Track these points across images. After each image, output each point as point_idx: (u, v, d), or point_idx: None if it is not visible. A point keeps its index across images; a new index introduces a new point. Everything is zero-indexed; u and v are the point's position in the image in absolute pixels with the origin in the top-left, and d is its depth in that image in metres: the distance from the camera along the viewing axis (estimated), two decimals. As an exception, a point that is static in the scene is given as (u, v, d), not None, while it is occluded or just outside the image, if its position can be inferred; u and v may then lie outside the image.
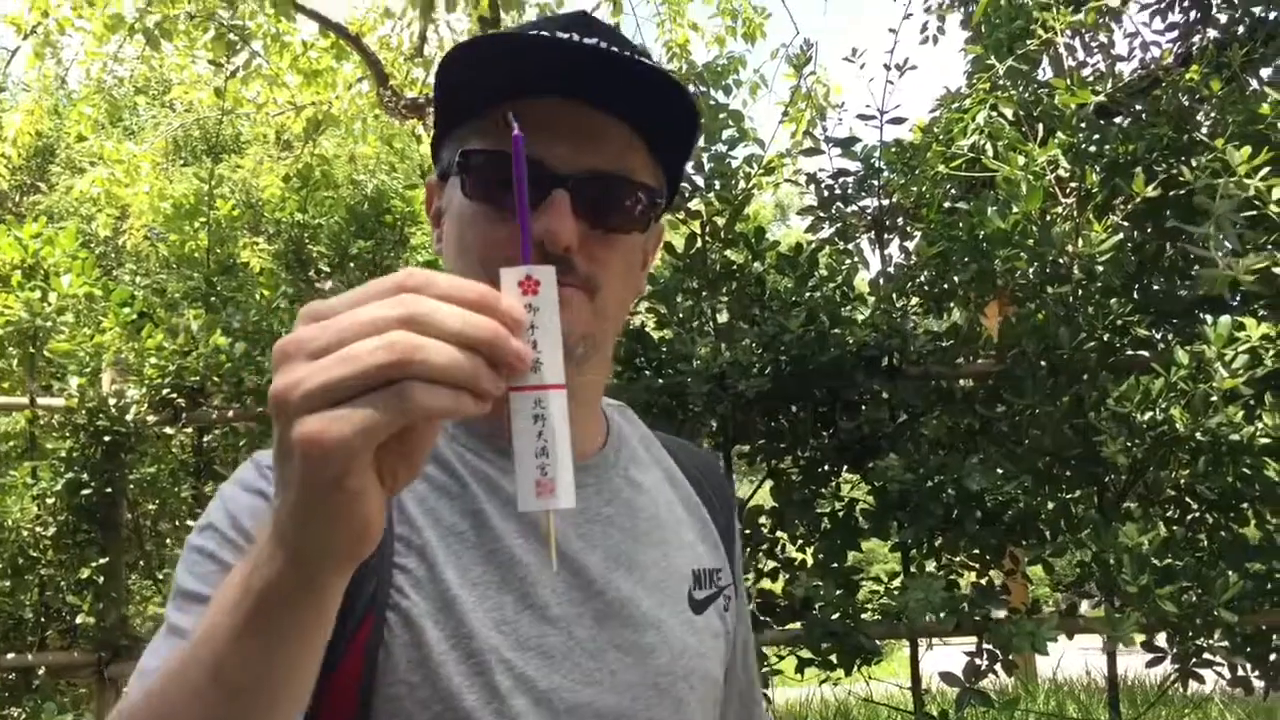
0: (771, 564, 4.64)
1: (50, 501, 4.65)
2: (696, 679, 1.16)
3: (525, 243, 0.79)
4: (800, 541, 4.69)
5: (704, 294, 5.00)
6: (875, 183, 5.14)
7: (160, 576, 4.90)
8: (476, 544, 1.06)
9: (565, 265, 1.02)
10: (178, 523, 5.13)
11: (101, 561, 4.62)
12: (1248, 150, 4.09)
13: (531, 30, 1.04)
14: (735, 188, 5.04)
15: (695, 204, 5.02)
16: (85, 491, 4.61)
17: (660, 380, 4.77)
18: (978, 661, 4.16)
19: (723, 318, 5.07)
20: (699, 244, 4.99)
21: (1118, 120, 5.45)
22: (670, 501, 1.24)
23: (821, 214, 5.10)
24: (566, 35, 1.00)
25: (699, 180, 4.99)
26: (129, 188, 8.10)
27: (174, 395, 4.86)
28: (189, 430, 5.09)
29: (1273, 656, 4.44)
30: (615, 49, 1.00)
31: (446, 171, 1.12)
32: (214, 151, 9.31)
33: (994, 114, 5.05)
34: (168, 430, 4.94)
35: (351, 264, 5.15)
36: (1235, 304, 4.61)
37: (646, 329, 5.06)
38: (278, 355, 0.70)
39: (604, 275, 1.08)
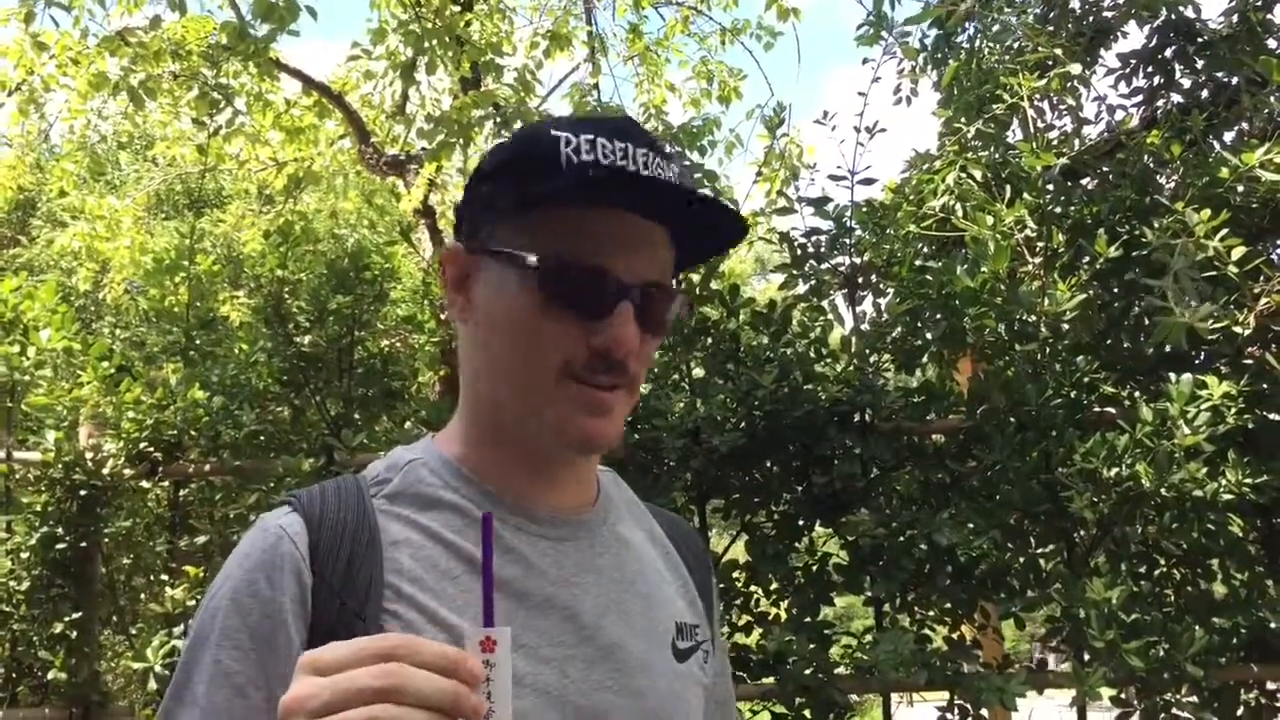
0: (745, 618, 4.66)
1: (24, 556, 4.64)
2: None
3: (488, 607, 0.94)
4: (774, 596, 4.72)
5: (678, 350, 5.06)
6: (847, 241, 5.23)
7: (134, 631, 4.88)
8: (470, 588, 1.10)
9: (621, 369, 1.13)
10: (152, 577, 5.12)
11: (75, 616, 4.60)
12: (1207, 212, 4.20)
13: (588, 135, 1.11)
14: (710, 246, 5.11)
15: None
16: (60, 546, 4.60)
17: (635, 435, 4.82)
18: (949, 717, 4.18)
19: (698, 373, 5.14)
20: (674, 301, 5.06)
21: (1084, 182, 5.58)
22: (653, 558, 1.31)
23: (795, 271, 5.19)
24: (623, 145, 1.10)
25: (674, 238, 5.06)
26: (110, 242, 8.16)
27: (151, 449, 4.88)
28: (165, 484, 5.10)
29: (1240, 711, 4.49)
30: (678, 180, 1.12)
31: (491, 249, 1.16)
32: (196, 206, 9.40)
33: (963, 175, 5.18)
34: (144, 484, 4.94)
35: (330, 318, 5.18)
36: (1198, 362, 4.70)
37: (623, 384, 5.11)
38: (282, 713, 0.86)
39: (642, 372, 1.19)
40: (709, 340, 5.05)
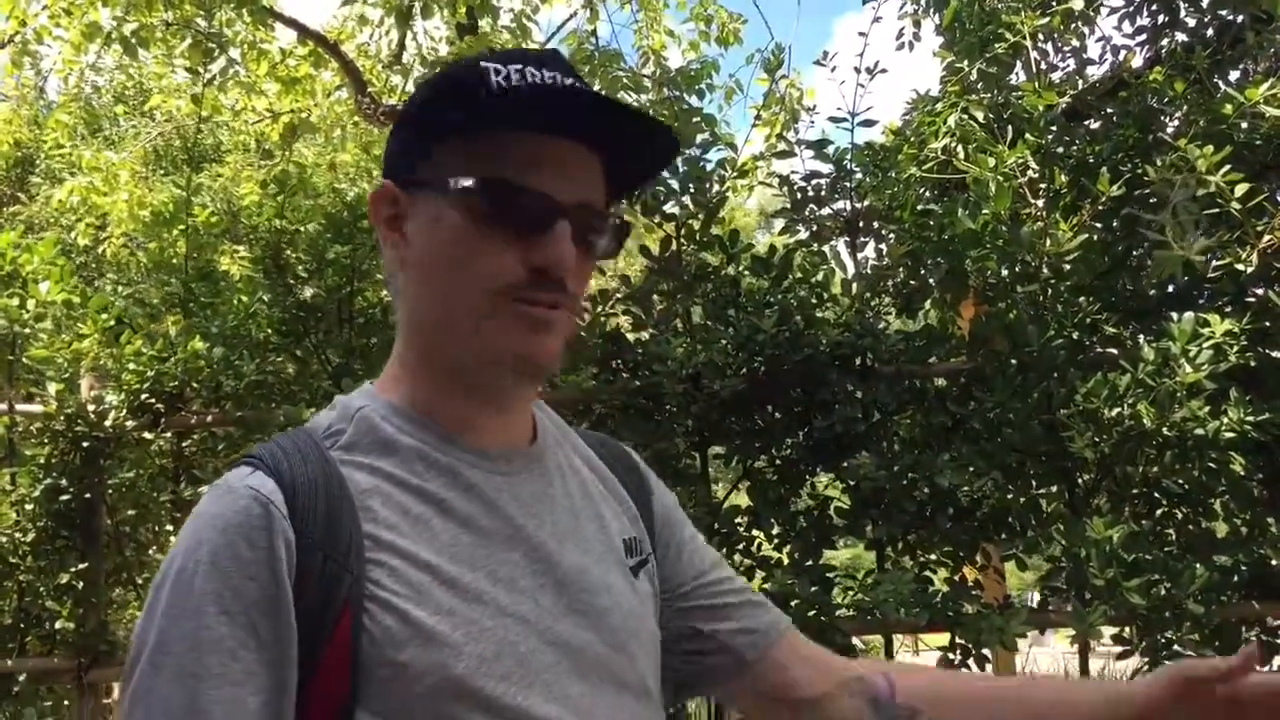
0: (747, 562, 4.68)
1: (29, 508, 4.66)
2: (644, 635, 1.27)
3: None
4: (776, 540, 4.73)
5: (679, 296, 5.04)
6: (848, 184, 5.19)
7: (139, 582, 4.92)
8: (442, 530, 1.13)
9: (560, 287, 1.15)
10: (157, 528, 5.14)
11: (81, 567, 4.63)
12: (1210, 149, 4.16)
13: (516, 65, 1.14)
14: (709, 191, 5.09)
15: (670, 207, 5.07)
16: (64, 497, 4.62)
17: (636, 382, 4.81)
18: (950, 656, 4.20)
19: (698, 319, 5.12)
20: (674, 247, 5.04)
21: (1086, 122, 5.53)
22: (593, 481, 1.34)
23: (795, 216, 5.15)
24: (551, 74, 1.14)
25: (674, 184, 5.04)
26: (108, 196, 8.12)
27: (152, 401, 4.88)
28: (168, 435, 5.11)
29: (1240, 648, 4.50)
30: (600, 95, 1.14)
31: (425, 184, 1.17)
32: (194, 160, 9.31)
33: (965, 117, 5.12)
34: (146, 435, 4.95)
35: (329, 269, 5.16)
36: (1201, 301, 4.67)
37: (623, 331, 5.11)
38: None
39: (581, 292, 1.21)
40: (709, 286, 5.03)
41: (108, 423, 4.76)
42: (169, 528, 5.00)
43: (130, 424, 4.85)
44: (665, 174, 5.09)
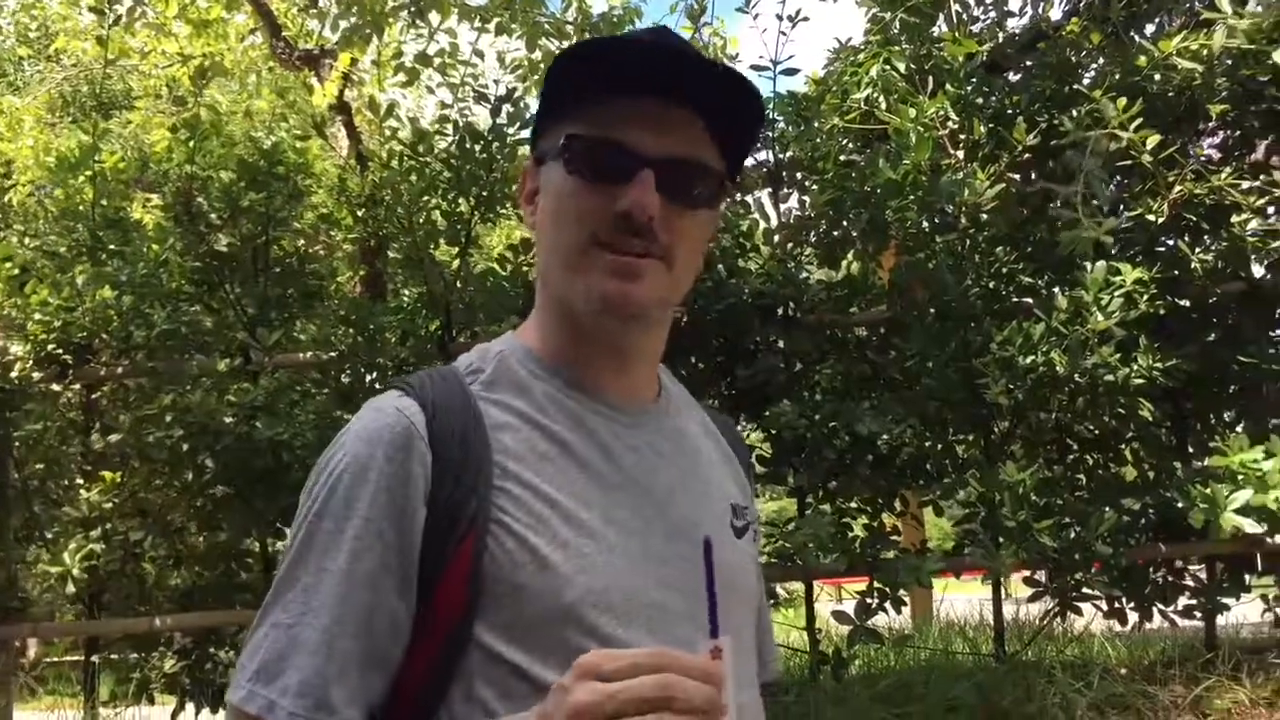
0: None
1: (-69, 462, 4.52)
2: (745, 591, 1.33)
3: (713, 618, 1.06)
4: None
5: (602, 245, 5.01)
6: (770, 134, 5.19)
7: (49, 536, 4.80)
8: (564, 468, 1.21)
9: (649, 235, 1.20)
10: (67, 482, 5.02)
11: (-13, 522, 4.51)
12: (1123, 102, 4.22)
13: (621, 37, 1.25)
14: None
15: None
16: (-32, 451, 4.48)
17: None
18: (868, 600, 4.28)
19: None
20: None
21: (1006, 74, 5.58)
22: (709, 447, 1.41)
23: (718, 165, 5.13)
24: (651, 39, 1.21)
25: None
26: (12, 143, 7.84)
27: (60, 351, 4.75)
28: (77, 387, 4.98)
29: (1148, 588, 4.65)
30: (692, 55, 1.21)
31: (544, 156, 1.27)
32: (102, 106, 9.04)
33: (887, 67, 5.14)
34: (54, 387, 4.82)
35: (243, 216, 5.02)
36: (1114, 251, 4.76)
37: (545, 281, 5.07)
38: (570, 715, 0.97)
39: (680, 248, 1.24)
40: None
41: (13, 374, 4.63)
42: (79, 481, 4.89)
43: (37, 375, 4.72)
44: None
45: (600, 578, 1.16)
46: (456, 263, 5.14)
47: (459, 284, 4.96)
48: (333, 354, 4.85)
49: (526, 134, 5.23)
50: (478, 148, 4.95)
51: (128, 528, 4.77)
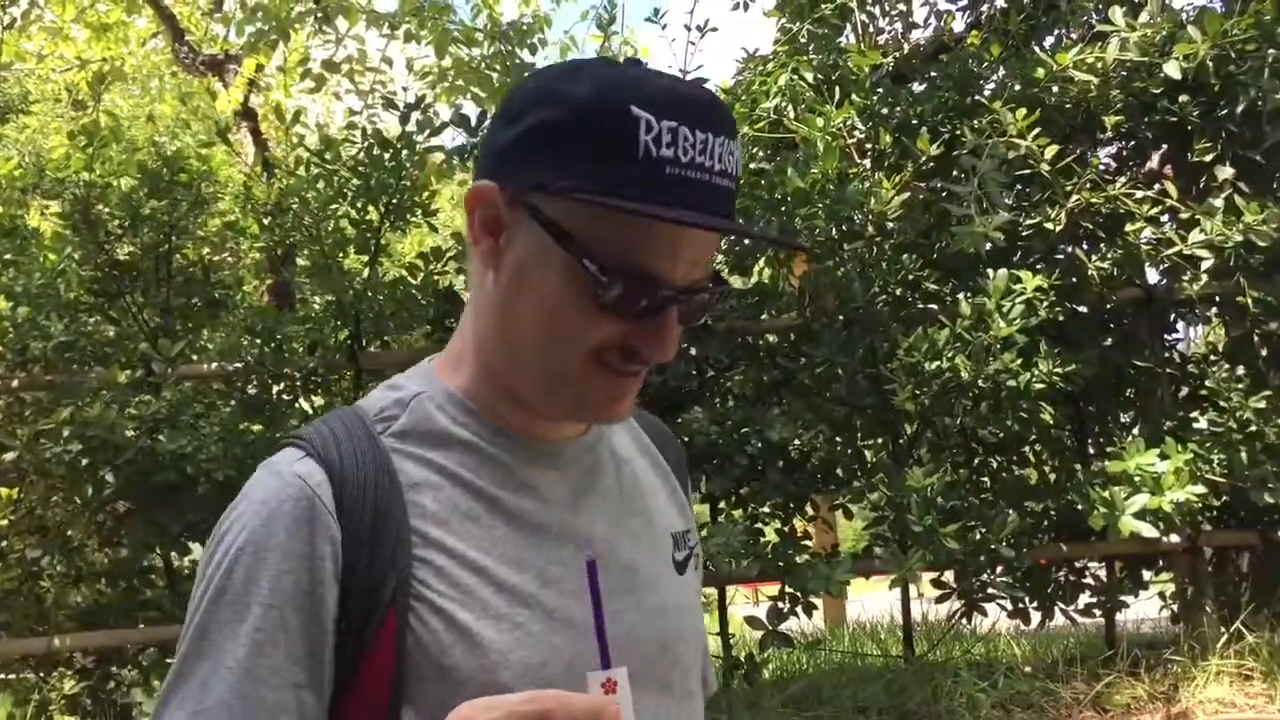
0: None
1: None
2: (690, 635, 1.23)
3: (603, 649, 0.99)
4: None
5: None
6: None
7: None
8: (491, 527, 1.09)
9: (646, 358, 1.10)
10: (-40, 500, 4.85)
11: (-127, 543, 4.34)
12: (1022, 112, 4.33)
13: (670, 119, 1.02)
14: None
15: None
16: None
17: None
18: (780, 605, 4.32)
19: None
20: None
21: (911, 84, 5.68)
22: (645, 469, 1.28)
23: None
24: (704, 138, 1.03)
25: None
26: (-99, 148, 7.56)
27: (-49, 364, 4.59)
28: (-31, 401, 4.82)
29: (1050, 588, 4.77)
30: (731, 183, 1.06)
31: (539, 214, 1.06)
32: (-2, 111, 8.77)
33: (795, 77, 5.20)
34: (-55, 402, 4.67)
35: (144, 225, 4.91)
36: (1016, 259, 4.87)
37: (456, 290, 5.04)
38: None
39: None
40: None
41: (-99, 388, 4.46)
42: (-28, 500, 4.73)
43: (-74, 389, 4.55)
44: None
45: (538, 651, 1.07)
46: (366, 271, 5.08)
47: (369, 293, 4.90)
48: (238, 365, 4.75)
49: (437, 141, 5.22)
50: (387, 155, 4.90)
51: (25, 545, 4.62)
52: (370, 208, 4.96)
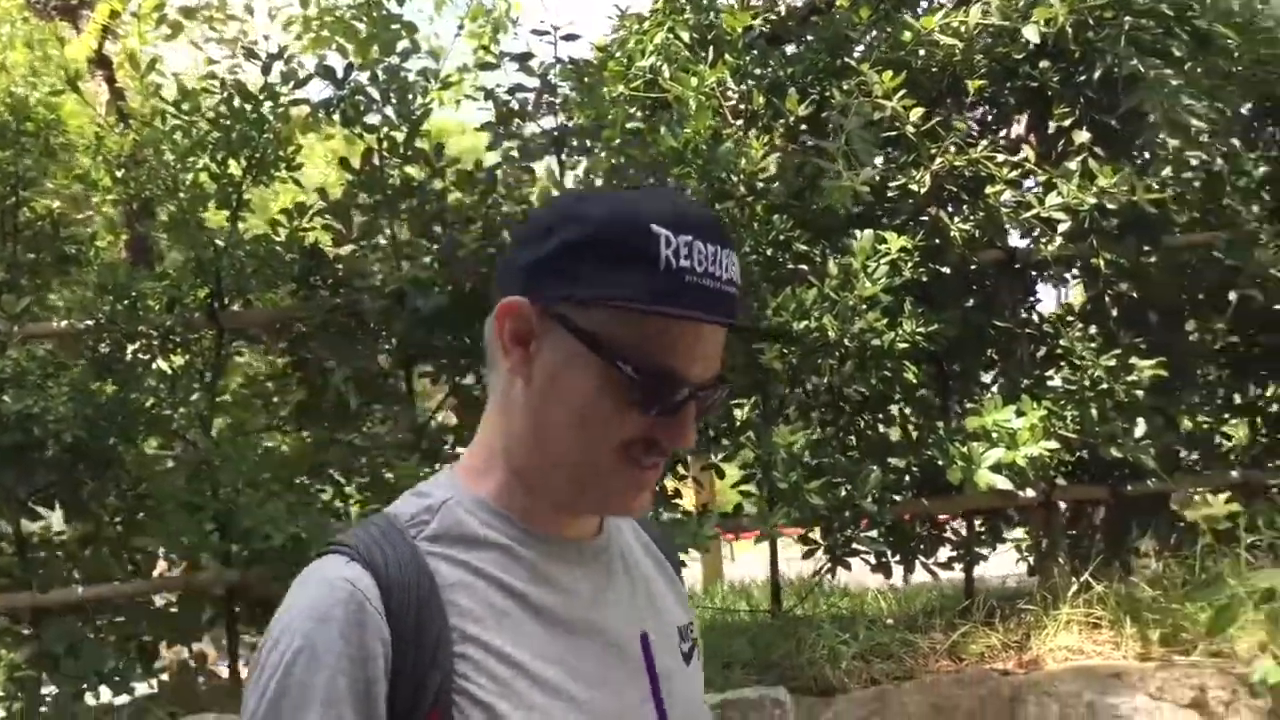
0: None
1: None
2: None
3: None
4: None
5: (381, 211, 4.89)
6: (554, 100, 5.16)
7: None
8: (523, 623, 1.17)
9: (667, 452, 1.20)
10: None
11: None
12: (889, 74, 4.38)
13: (686, 235, 1.14)
14: (413, 103, 4.92)
15: (372, 118, 4.88)
16: None
17: (336, 299, 4.65)
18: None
19: (403, 235, 4.98)
20: (375, 160, 4.86)
21: (784, 46, 5.70)
22: (650, 565, 1.38)
23: (500, 130, 5.08)
24: (714, 249, 1.15)
25: (374, 93, 4.85)
26: None
27: None
28: None
29: (912, 541, 4.89)
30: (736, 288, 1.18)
31: (568, 321, 1.16)
32: None
33: (671, 36, 5.18)
34: None
35: (-11, 176, 4.68)
36: (883, 220, 4.94)
37: (321, 246, 4.92)
38: None
39: None
40: (414, 201, 4.90)
41: None
42: None
43: None
44: (365, 82, 4.91)
45: None
46: (227, 227, 4.91)
47: (230, 249, 4.74)
48: (89, 323, 4.56)
49: (301, 94, 5.05)
50: (248, 107, 4.73)
51: None
52: (231, 161, 4.79)
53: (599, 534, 1.30)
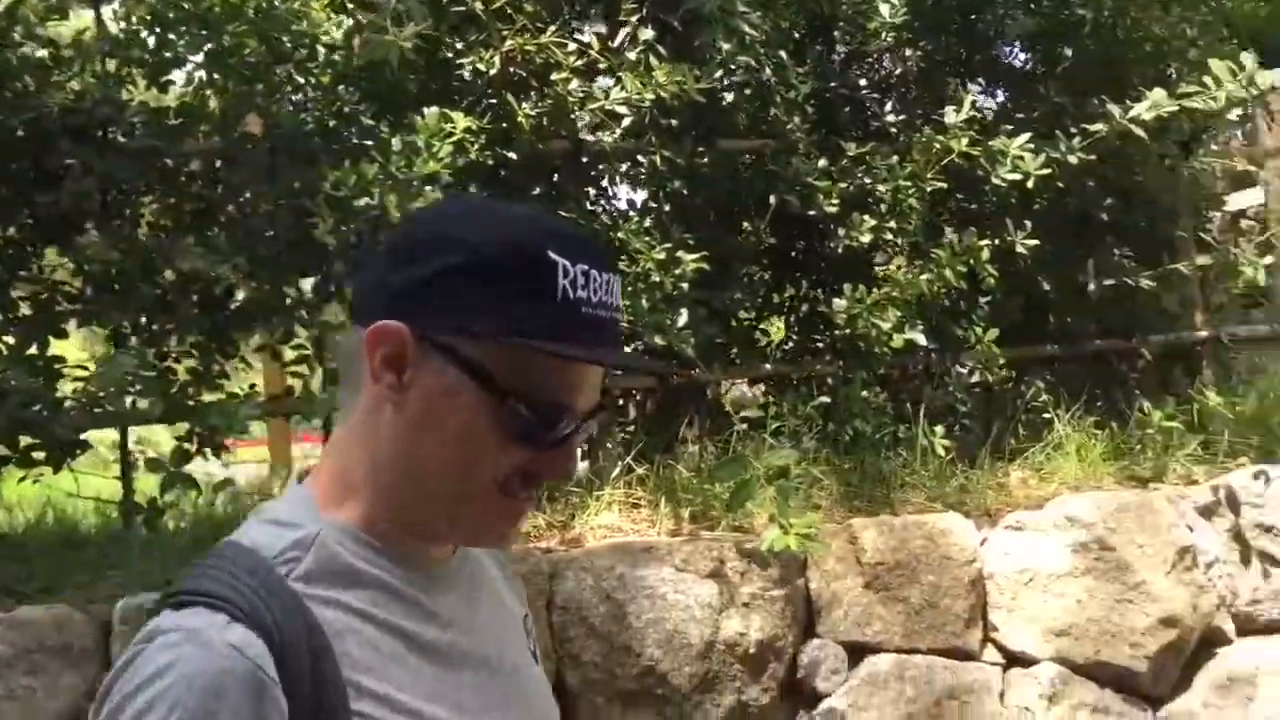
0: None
1: None
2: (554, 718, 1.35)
3: None
4: (-1, 329, 4.23)
5: None
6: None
7: None
8: (411, 664, 1.12)
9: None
10: None
11: None
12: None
13: (583, 263, 1.11)
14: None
15: None
16: None
17: None
18: (185, 446, 4.08)
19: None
20: None
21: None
22: (489, 564, 1.35)
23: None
24: (607, 278, 1.13)
25: None
26: None
27: None
28: None
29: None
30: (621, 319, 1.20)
31: (449, 350, 1.10)
32: None
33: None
34: None
35: None
36: (455, 100, 4.84)
37: None
38: None
39: None
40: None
41: None
42: None
43: None
44: None
45: None
46: None
47: None
48: None
49: None
50: None
51: None
52: None
53: (454, 552, 1.26)
